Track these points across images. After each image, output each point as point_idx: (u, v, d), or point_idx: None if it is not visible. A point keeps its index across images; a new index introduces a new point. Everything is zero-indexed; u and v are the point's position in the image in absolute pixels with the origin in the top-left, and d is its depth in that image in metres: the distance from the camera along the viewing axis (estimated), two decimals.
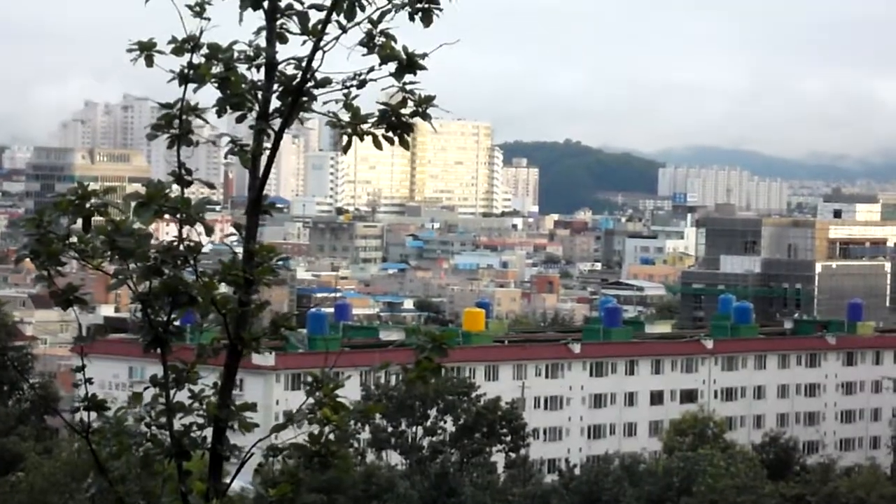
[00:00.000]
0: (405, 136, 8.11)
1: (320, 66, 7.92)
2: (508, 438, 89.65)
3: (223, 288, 7.79)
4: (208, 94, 7.97)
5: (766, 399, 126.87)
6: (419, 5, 7.96)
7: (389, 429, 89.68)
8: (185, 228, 7.78)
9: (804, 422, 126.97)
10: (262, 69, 7.90)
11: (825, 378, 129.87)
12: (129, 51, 7.98)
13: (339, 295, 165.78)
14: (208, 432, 7.95)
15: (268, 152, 7.95)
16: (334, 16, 7.87)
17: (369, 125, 8.04)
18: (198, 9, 7.90)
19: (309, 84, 7.93)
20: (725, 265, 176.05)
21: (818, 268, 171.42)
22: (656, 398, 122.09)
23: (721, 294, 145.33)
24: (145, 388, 8.08)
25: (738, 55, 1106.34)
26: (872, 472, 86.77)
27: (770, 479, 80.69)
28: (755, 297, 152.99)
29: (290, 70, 7.94)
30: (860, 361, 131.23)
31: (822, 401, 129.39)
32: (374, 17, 7.89)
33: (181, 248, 7.78)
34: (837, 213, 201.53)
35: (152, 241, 7.78)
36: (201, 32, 7.91)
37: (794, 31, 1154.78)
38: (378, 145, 8.13)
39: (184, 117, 7.93)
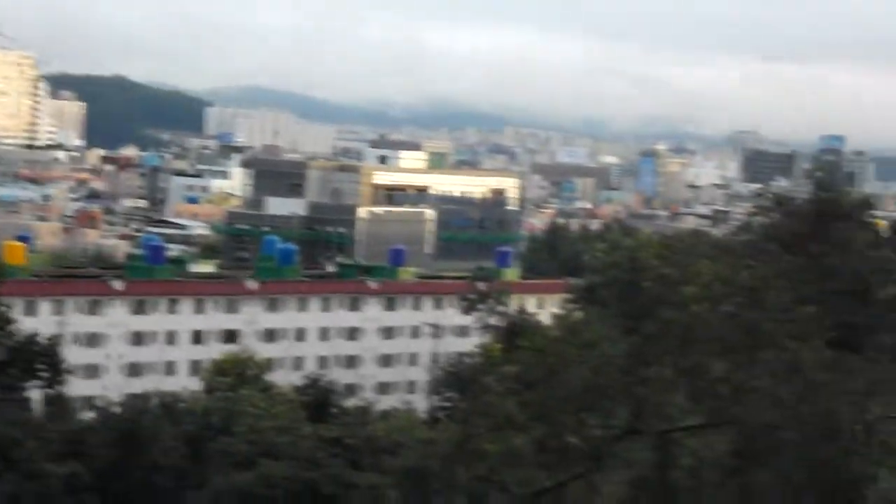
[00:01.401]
0: None
1: None
2: (46, 375, 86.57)
3: None
4: None
5: (307, 341, 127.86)
6: None
7: None
8: None
9: (344, 364, 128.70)
10: None
11: (366, 322, 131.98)
12: None
13: None
14: None
15: None
16: None
17: None
18: None
19: None
20: (271, 207, 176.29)
21: (362, 213, 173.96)
22: (198, 338, 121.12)
23: (266, 235, 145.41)
24: None
25: None
26: (409, 416, 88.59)
27: (309, 420, 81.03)
28: (300, 240, 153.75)
29: None
30: (400, 306, 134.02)
31: (362, 344, 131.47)
32: None
33: None
34: (383, 160, 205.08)
35: None
36: None
37: None
38: None
39: None
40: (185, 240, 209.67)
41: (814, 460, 24.55)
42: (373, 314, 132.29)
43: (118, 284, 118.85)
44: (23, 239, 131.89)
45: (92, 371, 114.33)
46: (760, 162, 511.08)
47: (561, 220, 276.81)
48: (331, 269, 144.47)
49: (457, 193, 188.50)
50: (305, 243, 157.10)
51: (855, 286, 39.22)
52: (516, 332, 45.15)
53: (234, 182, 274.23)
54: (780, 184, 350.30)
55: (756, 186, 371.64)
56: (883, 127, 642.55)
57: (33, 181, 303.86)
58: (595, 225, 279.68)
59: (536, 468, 37.04)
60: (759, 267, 25.64)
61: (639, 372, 27.94)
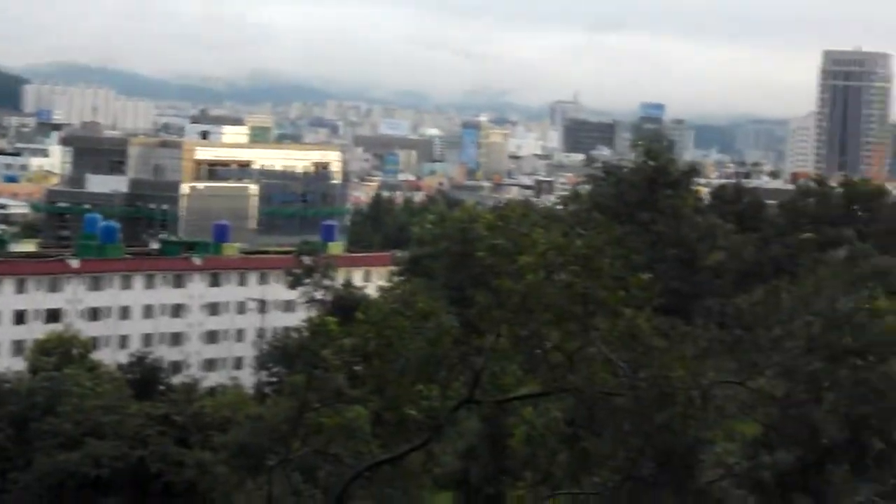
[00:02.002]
0: None
1: None
2: None
3: None
4: None
5: (132, 319, 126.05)
6: None
7: None
8: None
9: (169, 342, 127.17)
10: None
11: (190, 299, 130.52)
12: None
13: None
14: None
15: None
16: None
17: None
18: None
19: None
20: (92, 184, 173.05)
21: (185, 189, 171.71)
22: (20, 318, 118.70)
23: (87, 213, 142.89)
24: None
25: None
26: (237, 392, 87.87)
27: (136, 398, 79.97)
28: (122, 218, 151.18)
29: None
30: (225, 282, 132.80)
31: (187, 321, 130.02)
32: None
33: None
34: (204, 135, 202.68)
35: None
36: None
37: None
38: None
39: None
40: (5, 219, 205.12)
41: (650, 426, 24.81)
42: (197, 291, 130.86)
43: None
44: None
45: None
46: (581, 132, 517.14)
47: (385, 193, 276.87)
48: (154, 246, 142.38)
49: (280, 168, 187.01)
50: (128, 221, 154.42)
51: (683, 253, 40.00)
52: (346, 305, 44.97)
53: (54, 160, 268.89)
54: (602, 153, 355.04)
55: (578, 156, 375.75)
56: (700, 95, 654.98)
57: None
58: (419, 197, 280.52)
59: (373, 440, 36.99)
60: (593, 235, 25.77)
61: (474, 342, 27.97)
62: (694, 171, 44.79)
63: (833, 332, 23.83)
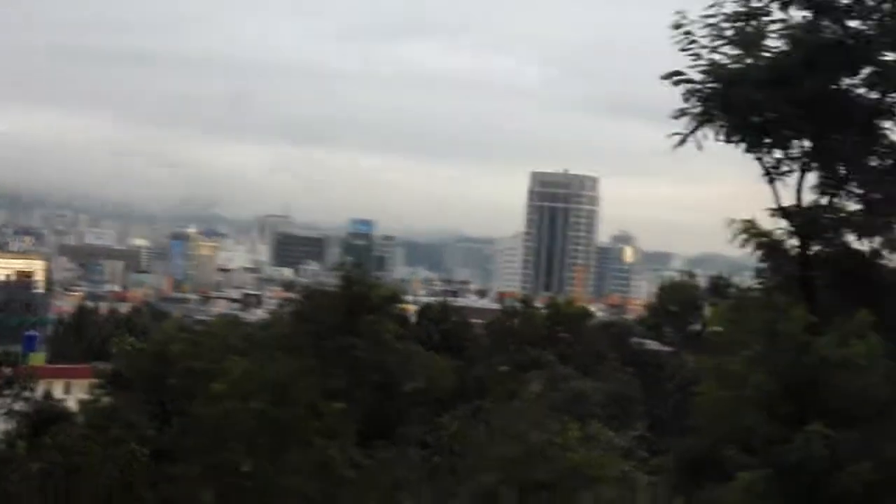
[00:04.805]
0: None
1: None
2: None
3: None
4: None
5: None
6: None
7: None
8: None
9: None
10: None
11: None
12: None
13: None
14: None
15: None
16: None
17: None
18: None
19: None
20: None
21: None
22: None
23: None
24: None
25: None
26: None
27: None
28: None
29: None
30: None
31: None
32: None
33: None
34: None
35: None
36: None
37: None
38: None
39: None
40: None
41: None
42: None
43: None
44: None
45: None
46: (291, 246, 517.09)
47: (89, 303, 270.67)
48: None
49: None
50: None
51: (383, 379, 39.80)
52: (46, 418, 43.45)
53: None
54: (312, 267, 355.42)
55: (287, 270, 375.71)
56: (410, 212, 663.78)
57: None
58: (125, 308, 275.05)
59: None
60: (288, 362, 25.47)
61: (166, 469, 27.24)
62: (395, 296, 45.31)
63: (525, 464, 24.03)
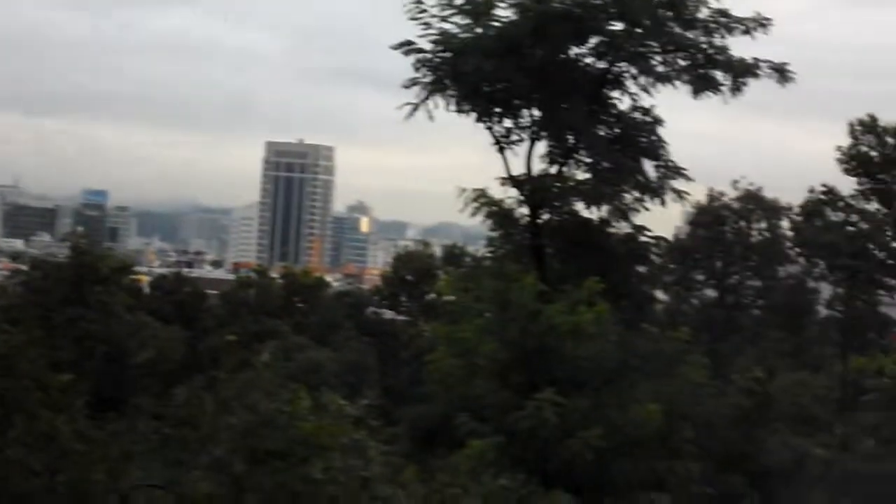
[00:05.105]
0: None
1: None
2: None
3: None
4: None
5: None
6: None
7: None
8: None
9: None
10: None
11: None
12: None
13: None
14: None
15: None
16: None
17: None
18: None
19: None
20: None
21: None
22: None
23: None
24: None
25: None
26: None
27: None
28: None
29: None
30: None
31: None
32: None
33: None
34: None
35: None
36: None
37: None
38: None
39: None
40: None
41: None
42: None
43: None
44: None
45: None
46: (22, 216, 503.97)
47: None
48: None
49: None
50: None
51: (113, 351, 39.13)
52: None
53: None
54: (43, 239, 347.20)
55: (17, 241, 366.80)
56: (144, 182, 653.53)
57: None
58: None
59: None
60: (14, 334, 24.65)
61: None
62: (125, 267, 44.47)
63: (255, 434, 23.77)
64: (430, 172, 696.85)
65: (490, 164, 28.23)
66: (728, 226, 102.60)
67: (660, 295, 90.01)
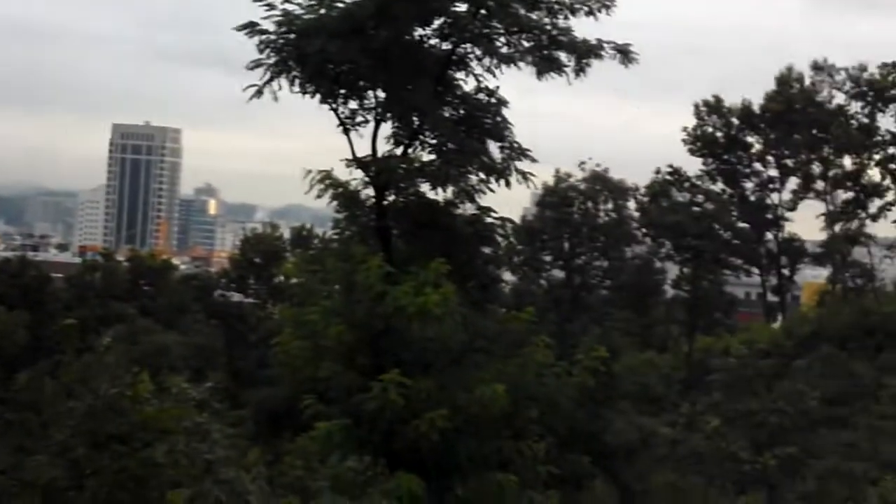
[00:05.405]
0: None
1: None
2: None
3: None
4: None
5: None
6: None
7: None
8: None
9: None
10: None
11: None
12: None
13: None
14: None
15: None
16: None
17: None
18: None
19: None
20: None
21: None
22: None
23: None
24: None
25: None
26: None
27: None
28: None
29: None
30: None
31: None
32: None
33: None
34: None
35: None
36: None
37: None
38: None
39: None
40: None
41: None
42: None
43: None
44: None
45: None
46: None
47: None
48: None
49: None
50: None
51: None
52: None
53: None
54: None
55: None
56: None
57: None
58: None
59: None
60: None
61: None
62: None
63: (96, 418, 23.53)
64: (279, 155, 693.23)
65: (338, 146, 28.12)
66: (575, 207, 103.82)
67: (507, 276, 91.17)
